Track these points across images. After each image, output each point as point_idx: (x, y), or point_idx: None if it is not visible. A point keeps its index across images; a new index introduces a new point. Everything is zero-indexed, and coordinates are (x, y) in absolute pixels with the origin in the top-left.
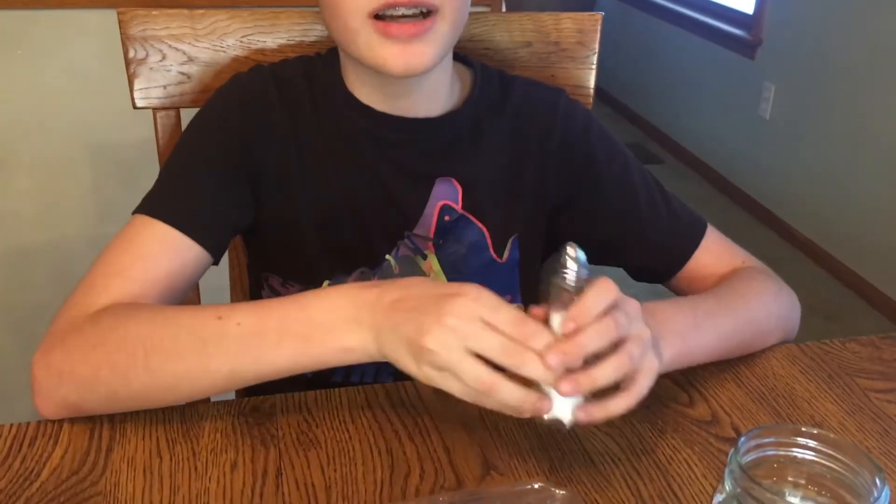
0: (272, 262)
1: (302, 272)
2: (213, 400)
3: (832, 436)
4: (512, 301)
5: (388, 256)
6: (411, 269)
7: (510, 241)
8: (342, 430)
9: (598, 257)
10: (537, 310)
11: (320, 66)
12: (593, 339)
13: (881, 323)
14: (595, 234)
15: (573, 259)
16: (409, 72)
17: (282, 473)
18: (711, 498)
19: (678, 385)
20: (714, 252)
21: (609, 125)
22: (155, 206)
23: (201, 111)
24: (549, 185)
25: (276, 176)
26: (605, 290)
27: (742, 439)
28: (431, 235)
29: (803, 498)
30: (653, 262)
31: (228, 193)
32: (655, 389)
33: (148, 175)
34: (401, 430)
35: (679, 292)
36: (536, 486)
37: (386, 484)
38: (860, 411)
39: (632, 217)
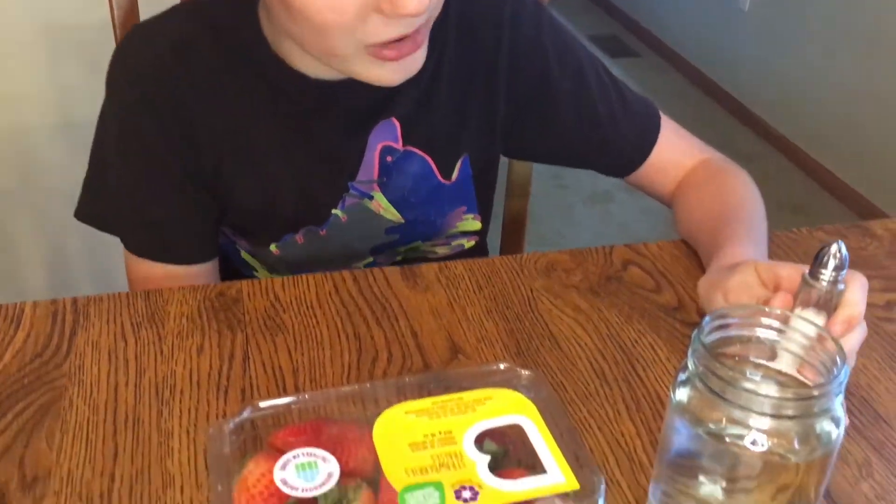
0: (222, 220)
1: (249, 234)
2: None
3: (795, 316)
4: (468, 212)
5: (334, 211)
6: (360, 213)
7: (459, 161)
8: (309, 315)
9: (557, 161)
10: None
11: (224, 17)
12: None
13: (848, 216)
14: (552, 144)
15: (835, 257)
16: (404, 79)
17: (249, 357)
18: (675, 378)
19: (645, 271)
20: (672, 144)
21: (584, 17)
22: (144, 246)
23: (107, 118)
24: (499, 105)
25: (210, 156)
26: (864, 291)
27: (707, 319)
28: (375, 178)
29: (764, 377)
30: (612, 161)
31: (191, 197)
32: (624, 277)
33: (107, 57)
34: (368, 316)
35: (640, 186)
36: (502, 366)
37: (353, 367)
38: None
39: (589, 125)
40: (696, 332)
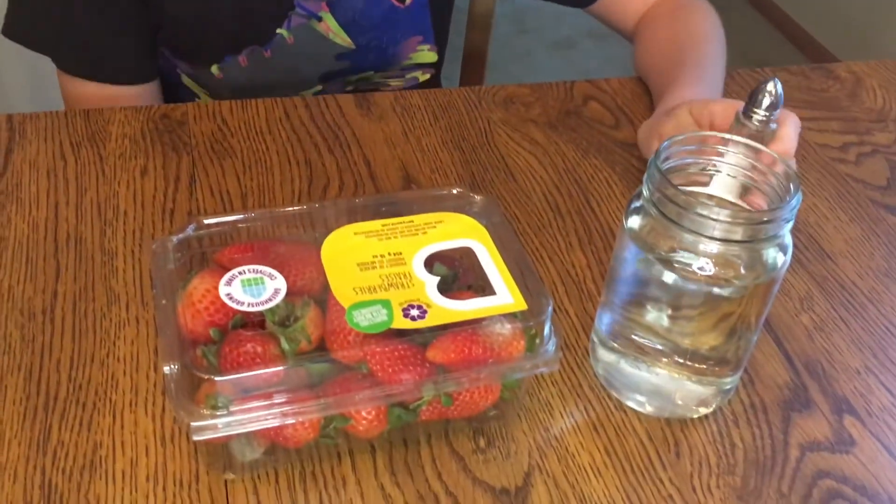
0: (159, 39)
1: (188, 53)
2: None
3: (751, 144)
4: (423, 42)
5: (278, 31)
6: (307, 34)
7: None
8: (259, 140)
9: None
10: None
11: None
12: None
13: None
14: None
15: (769, 95)
16: None
17: (196, 181)
18: (628, 205)
19: (605, 107)
20: None
21: None
22: (75, 64)
23: None
24: None
25: None
26: (796, 128)
27: (664, 144)
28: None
29: (719, 203)
30: None
31: (122, 7)
32: (583, 112)
33: None
34: (320, 143)
35: (600, 18)
36: (455, 191)
37: (304, 193)
38: None
39: None
40: (652, 158)
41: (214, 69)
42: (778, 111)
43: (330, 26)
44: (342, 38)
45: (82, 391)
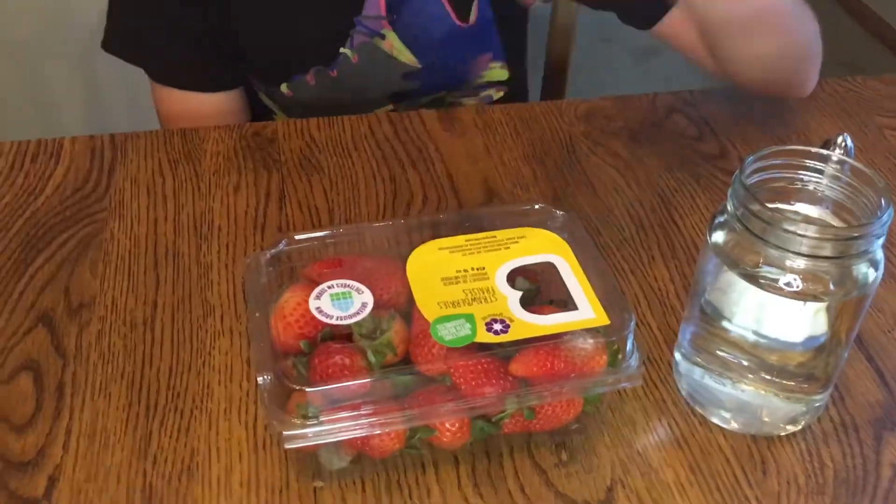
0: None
1: (259, 72)
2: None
3: (841, 158)
4: (494, 60)
5: (342, 50)
6: (372, 53)
7: (475, 2)
8: (345, 156)
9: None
10: None
11: None
12: None
13: None
14: None
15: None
16: None
17: (285, 196)
18: (712, 220)
19: (689, 119)
20: None
21: None
22: (165, 73)
23: None
24: None
25: None
26: None
27: (749, 159)
28: (383, 13)
29: (803, 218)
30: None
31: (204, 20)
32: (667, 124)
33: None
34: (404, 159)
35: (668, 39)
36: (537, 206)
37: (388, 208)
38: (873, 147)
39: None
40: (736, 173)
41: (284, 88)
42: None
43: (394, 44)
44: (407, 57)
45: (180, 399)
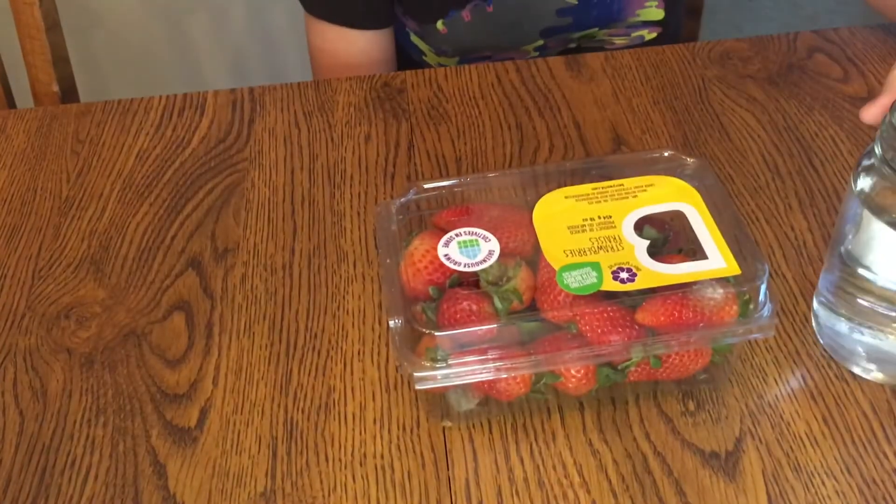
0: None
1: (415, 8)
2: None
3: None
4: None
5: None
6: None
7: None
8: (472, 105)
9: None
10: None
11: None
12: None
13: None
14: None
15: None
16: None
17: (413, 146)
18: (857, 165)
19: (832, 58)
20: None
21: None
22: (319, 6)
23: None
24: None
25: None
26: None
27: None
28: None
29: None
30: None
31: None
32: (808, 65)
33: None
34: (531, 106)
35: None
36: (666, 154)
37: (515, 157)
38: None
39: None
40: (887, 114)
41: (440, 25)
42: None
43: None
44: None
45: (317, 340)
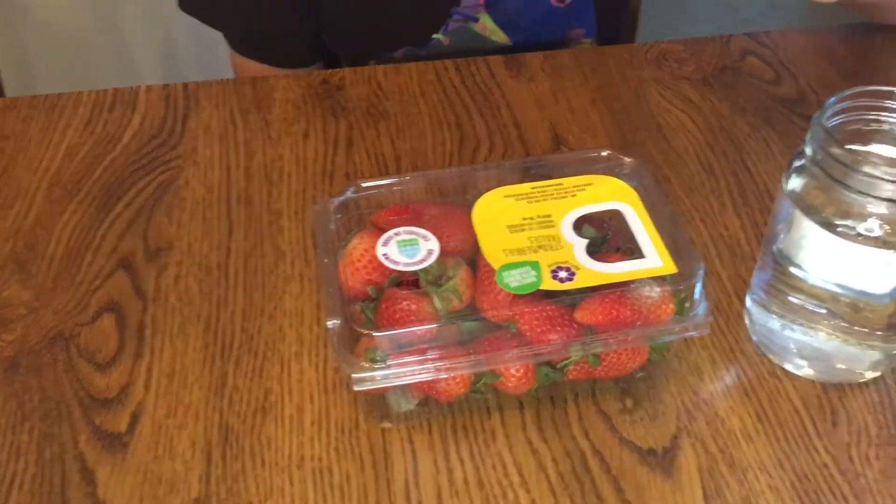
0: (322, 29)
1: (347, 48)
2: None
3: None
4: (586, 36)
5: (435, 36)
6: (463, 35)
7: None
8: (412, 103)
9: None
10: None
11: None
12: None
13: None
14: None
15: None
16: None
17: (352, 144)
18: (788, 165)
19: (764, 61)
20: None
21: None
22: (246, 45)
23: None
24: None
25: None
26: None
27: (831, 100)
28: (481, 2)
29: (890, 162)
30: None
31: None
32: (741, 67)
33: None
34: (471, 105)
35: None
36: (604, 153)
37: (455, 155)
38: None
39: None
40: (816, 115)
41: (371, 63)
42: None
43: (486, 25)
44: (499, 37)
45: (254, 341)
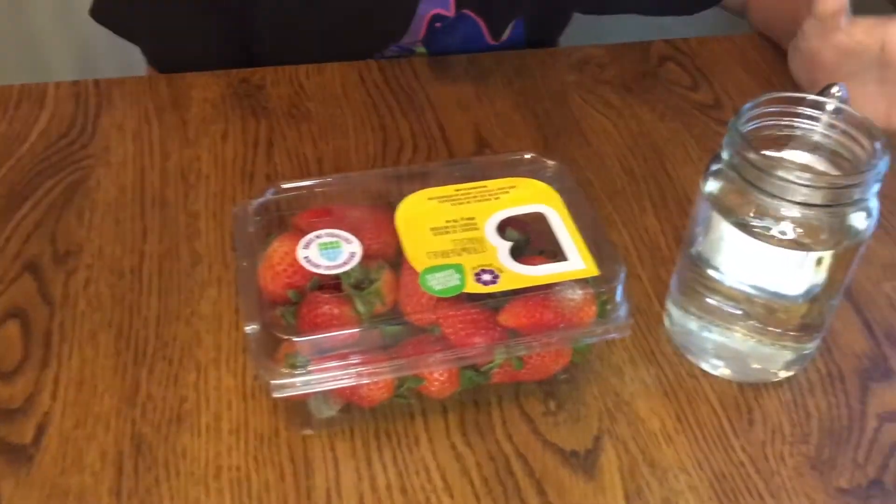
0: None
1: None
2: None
3: (837, 105)
4: None
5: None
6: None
7: (511, 24)
8: (334, 104)
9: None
10: None
11: None
12: None
13: None
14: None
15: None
16: None
17: (273, 145)
18: (706, 169)
19: (682, 67)
20: None
21: None
22: (165, 62)
23: None
24: None
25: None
26: None
27: (746, 106)
28: (419, 39)
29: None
30: None
31: (214, 18)
32: (660, 73)
33: None
34: (394, 107)
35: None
36: (528, 156)
37: (378, 157)
38: None
39: None
40: (732, 120)
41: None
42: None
43: None
44: None
45: (168, 348)
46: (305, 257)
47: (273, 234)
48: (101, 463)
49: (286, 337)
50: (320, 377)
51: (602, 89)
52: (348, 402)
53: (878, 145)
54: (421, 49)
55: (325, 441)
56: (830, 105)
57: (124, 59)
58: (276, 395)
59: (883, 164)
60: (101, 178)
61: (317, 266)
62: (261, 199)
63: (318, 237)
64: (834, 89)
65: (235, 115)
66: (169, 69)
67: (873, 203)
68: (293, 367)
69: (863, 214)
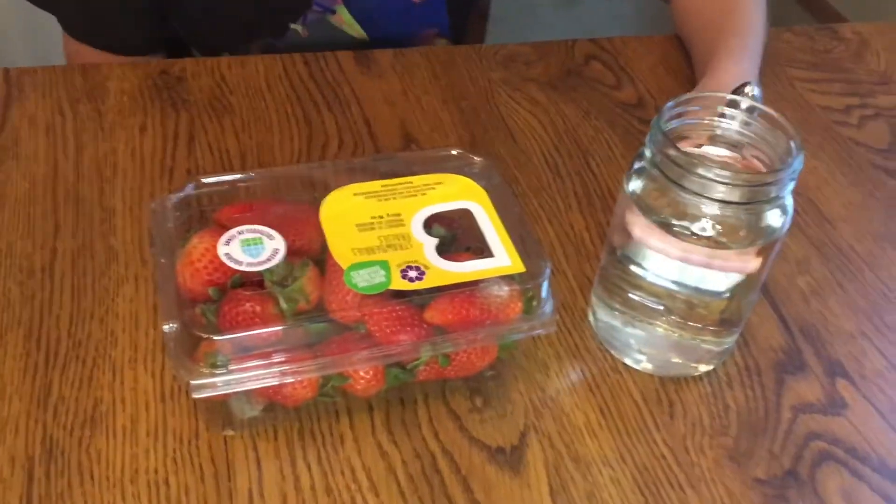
0: (171, 18)
1: (199, 40)
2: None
3: (751, 104)
4: (440, 36)
5: (292, 26)
6: (321, 27)
7: None
8: (258, 98)
9: None
10: None
11: None
12: None
13: None
14: None
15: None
16: None
17: (194, 138)
18: (629, 167)
19: (606, 66)
20: None
21: None
22: (82, 29)
23: None
24: None
25: None
26: None
27: (668, 104)
28: None
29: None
30: None
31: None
32: (585, 72)
33: None
34: (320, 101)
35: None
36: (454, 152)
37: (303, 152)
38: (783, 99)
39: None
40: (655, 119)
41: (225, 54)
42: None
43: (344, 19)
44: (356, 31)
45: (82, 348)
46: (226, 254)
47: (193, 229)
48: (10, 468)
49: (206, 335)
50: (242, 377)
51: (528, 87)
52: (271, 401)
53: (793, 144)
54: (342, 9)
55: (248, 442)
56: (745, 104)
57: (38, 48)
58: (195, 395)
59: (798, 162)
60: (11, 172)
61: (238, 263)
62: (180, 194)
63: (239, 233)
64: (747, 88)
65: (154, 107)
66: (86, 38)
67: (789, 201)
68: (213, 366)
69: (778, 212)
